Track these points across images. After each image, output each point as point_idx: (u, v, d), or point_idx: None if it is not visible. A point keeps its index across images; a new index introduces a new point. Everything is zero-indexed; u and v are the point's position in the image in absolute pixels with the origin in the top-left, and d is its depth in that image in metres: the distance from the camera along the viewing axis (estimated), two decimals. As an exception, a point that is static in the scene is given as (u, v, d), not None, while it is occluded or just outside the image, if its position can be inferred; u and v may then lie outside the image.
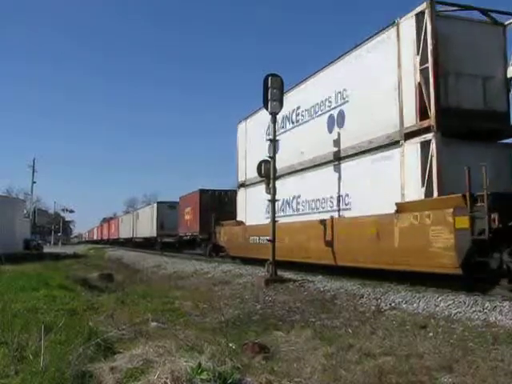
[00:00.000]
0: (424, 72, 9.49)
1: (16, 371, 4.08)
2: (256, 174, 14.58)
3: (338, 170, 12.12)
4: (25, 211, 44.25)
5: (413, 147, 9.66)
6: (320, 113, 13.10)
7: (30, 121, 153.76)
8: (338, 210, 12.00)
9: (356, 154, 11.42)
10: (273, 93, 12.12)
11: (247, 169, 17.80)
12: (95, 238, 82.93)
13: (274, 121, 12.37)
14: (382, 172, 10.48)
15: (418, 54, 9.63)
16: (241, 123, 18.91)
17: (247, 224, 17.65)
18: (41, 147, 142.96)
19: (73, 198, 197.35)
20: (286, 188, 14.12)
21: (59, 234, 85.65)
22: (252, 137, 17.57)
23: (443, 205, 8.42)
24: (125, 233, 52.07)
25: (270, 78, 12.17)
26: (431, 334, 6.09)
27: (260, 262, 13.69)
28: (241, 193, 18.78)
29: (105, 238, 70.18)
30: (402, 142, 9.96)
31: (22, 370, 4.07)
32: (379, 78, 10.77)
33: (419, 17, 9.68)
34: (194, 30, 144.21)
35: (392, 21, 10.44)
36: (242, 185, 18.57)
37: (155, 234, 36.53)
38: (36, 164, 55.89)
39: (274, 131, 12.40)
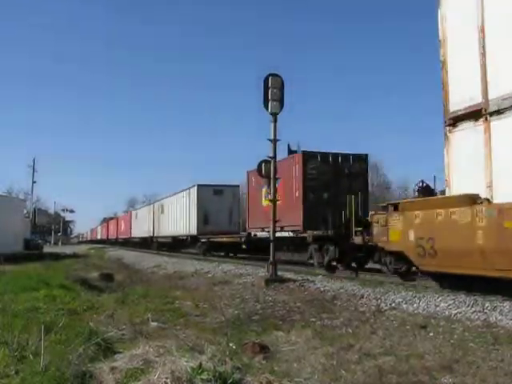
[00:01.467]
0: None
1: (16, 371, 4.08)
2: None
3: None
4: (25, 211, 44.22)
5: None
6: None
7: (30, 120, 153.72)
8: None
9: None
10: (273, 93, 12.13)
11: (490, 75, 8.32)
12: (99, 237, 75.49)
13: (275, 121, 12.35)
14: None
15: None
16: None
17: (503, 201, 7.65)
18: (41, 147, 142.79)
19: (73, 198, 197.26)
20: None
21: (59, 234, 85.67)
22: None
23: None
24: (140, 231, 40.52)
25: (270, 78, 12.19)
26: (431, 334, 6.10)
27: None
28: (469, 134, 8.80)
29: (111, 237, 60.14)
30: None
31: (22, 370, 4.06)
32: None
33: None
34: (194, 31, 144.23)
35: None
36: (475, 115, 8.68)
37: (195, 232, 25.44)
38: (36, 164, 55.78)
39: (275, 131, 12.37)
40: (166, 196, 34.41)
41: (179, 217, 28.68)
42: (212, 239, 23.84)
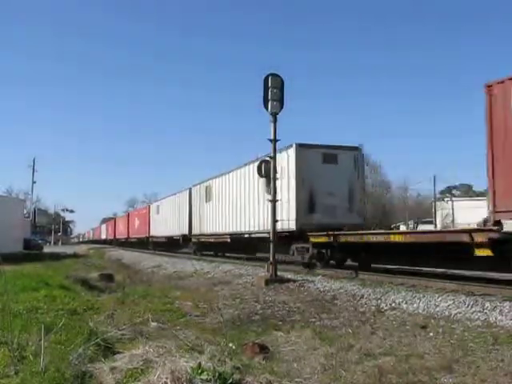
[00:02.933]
0: None
1: (16, 371, 4.07)
2: None
3: None
4: (25, 211, 44.21)
5: None
6: None
7: (30, 120, 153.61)
8: None
9: None
10: (273, 92, 12.14)
11: None
12: (103, 237, 66.75)
13: (275, 121, 12.36)
14: None
15: None
16: None
17: None
18: (41, 147, 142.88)
19: (73, 198, 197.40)
20: None
21: (59, 234, 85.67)
22: None
23: None
24: (166, 228, 30.68)
25: (270, 78, 12.19)
26: (431, 334, 6.10)
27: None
28: None
29: (120, 237, 50.46)
30: None
31: (22, 370, 4.06)
32: None
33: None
34: (194, 32, 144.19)
35: None
36: None
37: (292, 226, 14.33)
38: (36, 164, 55.76)
39: (275, 131, 12.40)
40: (215, 175, 22.16)
41: (247, 202, 17.64)
42: (347, 238, 12.35)
